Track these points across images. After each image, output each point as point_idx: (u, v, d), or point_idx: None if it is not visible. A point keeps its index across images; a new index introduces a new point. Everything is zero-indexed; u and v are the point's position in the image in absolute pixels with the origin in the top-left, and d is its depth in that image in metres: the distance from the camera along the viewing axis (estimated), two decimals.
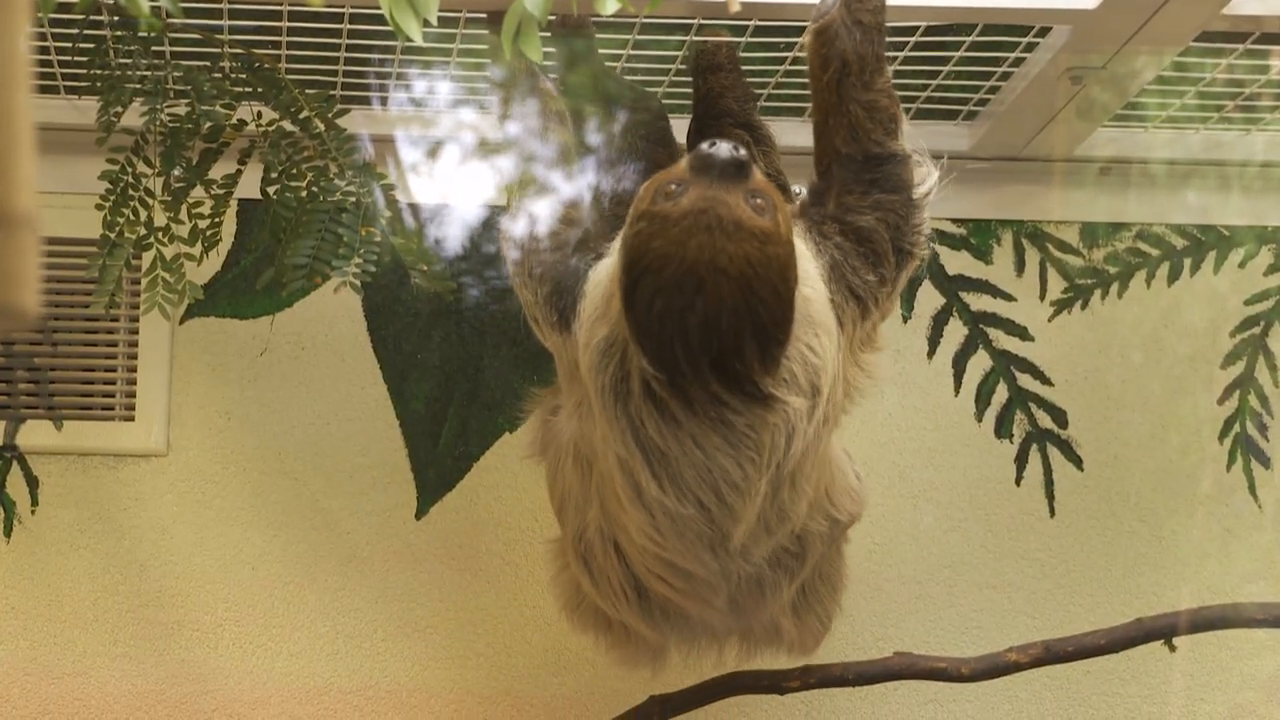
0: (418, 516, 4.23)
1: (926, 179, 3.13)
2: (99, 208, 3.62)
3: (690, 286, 2.69)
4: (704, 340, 2.71)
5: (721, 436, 2.81)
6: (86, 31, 3.65)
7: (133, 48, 3.64)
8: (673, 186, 2.76)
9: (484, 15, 3.40)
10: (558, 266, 3.05)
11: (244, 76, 3.70)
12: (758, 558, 2.99)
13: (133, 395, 4.18)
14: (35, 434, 4.16)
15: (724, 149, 2.76)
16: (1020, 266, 4.35)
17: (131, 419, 4.17)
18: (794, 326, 2.79)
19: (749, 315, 2.70)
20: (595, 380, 2.87)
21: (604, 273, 2.94)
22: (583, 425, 3.02)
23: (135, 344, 4.19)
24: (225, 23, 3.63)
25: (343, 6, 3.56)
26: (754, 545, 2.96)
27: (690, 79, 3.68)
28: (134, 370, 4.18)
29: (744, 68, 3.65)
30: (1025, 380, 4.33)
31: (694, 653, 3.35)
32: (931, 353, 4.33)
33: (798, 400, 2.83)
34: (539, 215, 3.11)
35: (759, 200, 2.74)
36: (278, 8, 3.60)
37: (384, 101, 4.00)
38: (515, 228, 3.14)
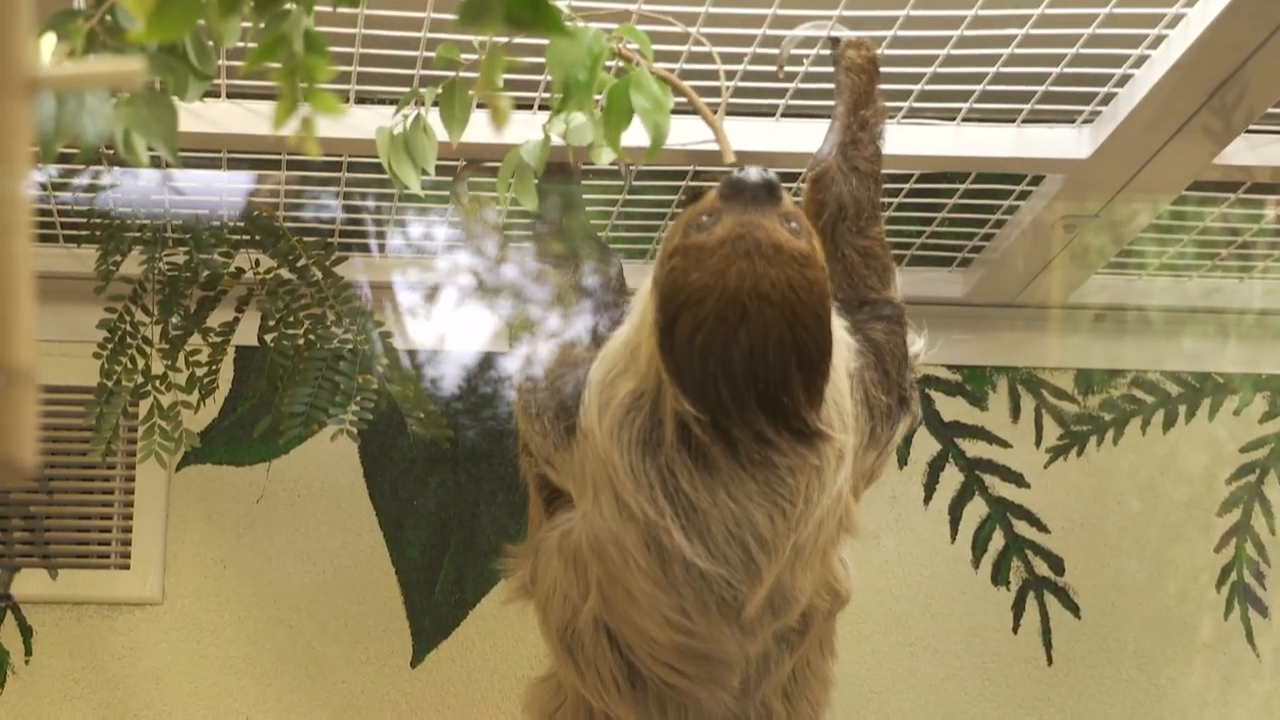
0: (413, 665, 4.19)
1: (914, 343, 3.10)
2: (97, 356, 3.65)
3: (733, 317, 2.59)
4: (749, 373, 2.60)
5: (759, 483, 2.70)
6: (87, 180, 3.66)
7: (132, 197, 3.67)
8: (704, 218, 2.65)
9: (475, 162, 3.41)
10: (558, 390, 2.95)
11: (242, 225, 3.72)
12: (765, 637, 2.90)
13: (128, 543, 4.15)
14: (30, 583, 4.13)
15: (754, 172, 2.67)
16: (1016, 413, 4.35)
17: (127, 567, 4.14)
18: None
19: (794, 344, 2.60)
20: (618, 439, 2.75)
21: (618, 338, 2.86)
22: (589, 523, 2.87)
23: (131, 491, 4.17)
24: (224, 172, 3.65)
25: (340, 155, 3.58)
26: (759, 624, 2.85)
27: None
28: (129, 518, 4.16)
29: None
30: (1022, 527, 4.32)
31: None
32: (927, 499, 4.32)
33: (841, 437, 2.75)
34: (537, 358, 3.07)
35: (793, 224, 2.65)
36: (276, 156, 3.62)
37: (382, 248, 4.00)
38: (515, 375, 3.10)
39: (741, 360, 2.60)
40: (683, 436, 2.70)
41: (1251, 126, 3.35)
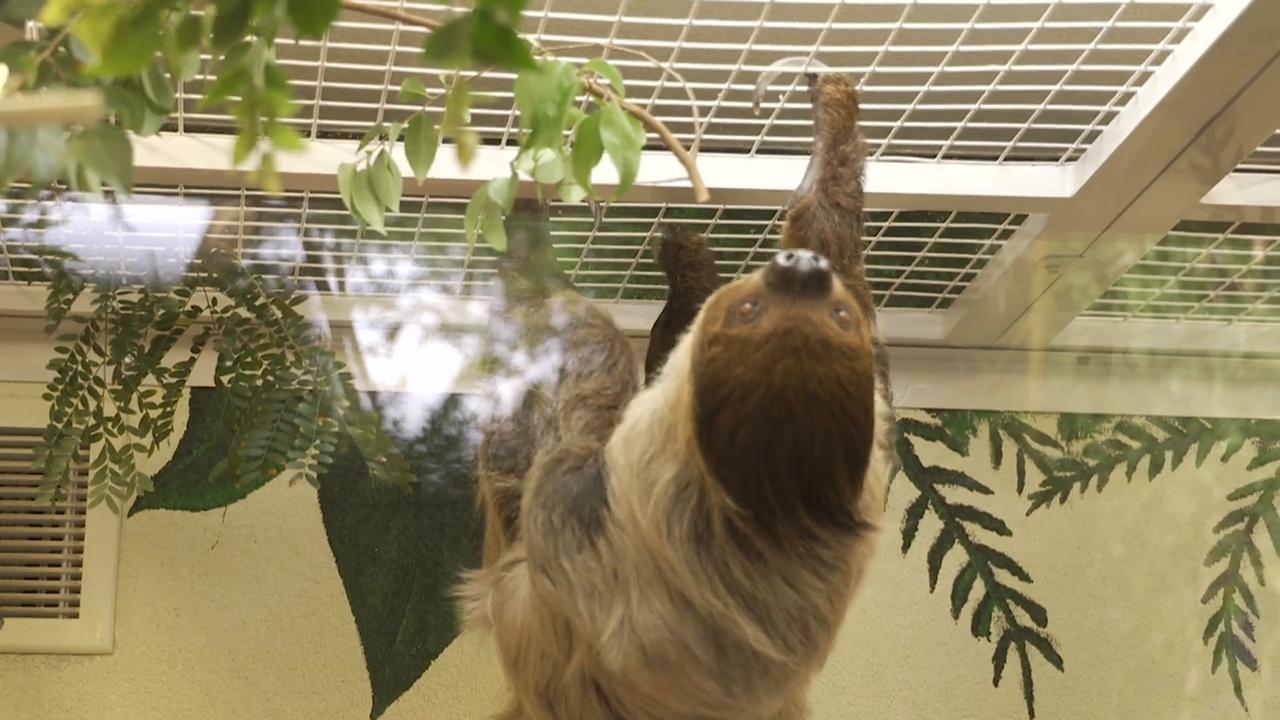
0: (373, 717, 4.14)
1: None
2: (47, 397, 3.62)
3: (778, 415, 2.50)
4: (794, 471, 2.52)
5: (811, 570, 2.63)
6: (37, 216, 3.63)
7: (85, 233, 3.64)
8: (747, 306, 2.56)
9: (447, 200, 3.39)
10: (566, 485, 2.83)
11: (199, 262, 3.70)
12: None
13: (77, 591, 4.12)
14: None
15: (805, 260, 2.56)
16: (997, 458, 4.34)
17: (75, 616, 4.10)
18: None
19: (841, 440, 2.52)
20: (668, 534, 2.65)
21: (643, 413, 2.75)
22: (637, 627, 2.73)
23: (81, 538, 4.14)
24: (181, 207, 3.60)
25: (301, 191, 3.54)
26: (796, 685, 2.83)
27: (656, 264, 3.63)
28: (79, 565, 4.13)
29: (714, 249, 3.60)
30: (1003, 576, 4.30)
31: None
32: (906, 547, 4.30)
33: (882, 523, 2.70)
34: (527, 452, 2.99)
35: (843, 313, 2.56)
36: (235, 192, 3.60)
37: (343, 286, 3.96)
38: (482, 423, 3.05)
39: (786, 458, 2.52)
40: (730, 530, 2.61)
41: (1240, 165, 3.32)
